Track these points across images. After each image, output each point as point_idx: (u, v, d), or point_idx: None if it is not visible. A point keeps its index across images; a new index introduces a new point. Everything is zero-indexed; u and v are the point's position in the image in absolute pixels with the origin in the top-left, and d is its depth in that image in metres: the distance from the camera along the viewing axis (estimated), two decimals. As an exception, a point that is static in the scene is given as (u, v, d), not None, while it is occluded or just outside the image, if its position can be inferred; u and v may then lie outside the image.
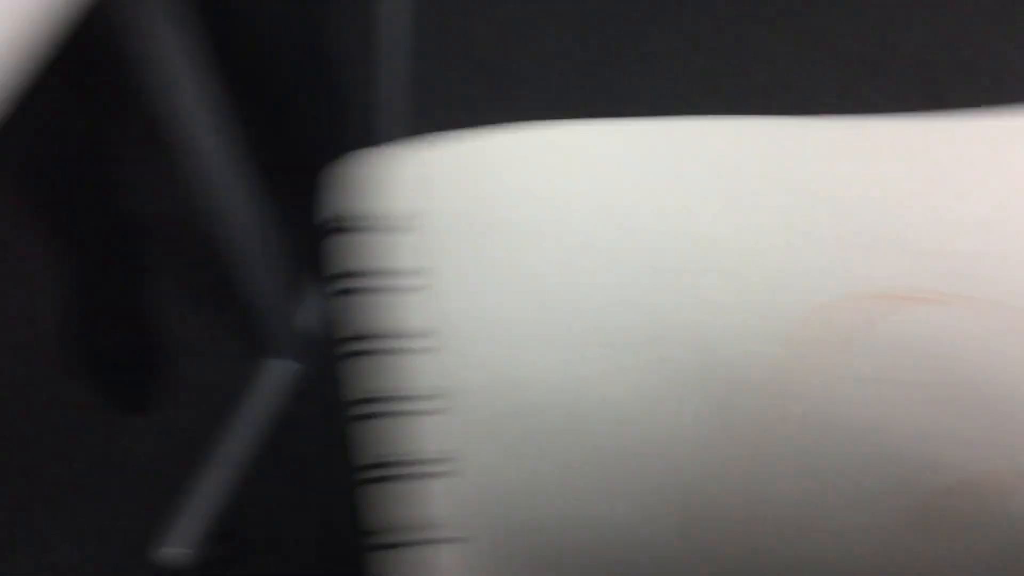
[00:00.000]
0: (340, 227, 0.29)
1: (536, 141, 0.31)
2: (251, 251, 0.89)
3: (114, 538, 0.99)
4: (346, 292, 0.28)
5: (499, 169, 0.29)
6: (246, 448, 1.02)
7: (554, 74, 1.27)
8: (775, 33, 1.30)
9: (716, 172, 0.30)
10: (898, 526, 0.27)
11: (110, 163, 1.02)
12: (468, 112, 1.23)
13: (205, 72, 0.72)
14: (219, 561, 0.97)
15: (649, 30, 1.30)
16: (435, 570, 0.26)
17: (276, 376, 1.05)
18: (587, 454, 0.26)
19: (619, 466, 0.26)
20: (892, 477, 0.27)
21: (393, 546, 0.26)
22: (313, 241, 1.11)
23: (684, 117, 0.31)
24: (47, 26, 0.35)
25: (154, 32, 0.66)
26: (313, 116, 0.98)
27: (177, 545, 0.97)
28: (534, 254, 0.28)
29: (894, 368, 0.27)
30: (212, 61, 0.72)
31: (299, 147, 1.01)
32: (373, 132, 1.09)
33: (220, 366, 1.08)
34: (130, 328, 1.05)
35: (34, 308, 1.10)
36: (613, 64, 1.28)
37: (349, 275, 0.28)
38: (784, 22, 1.31)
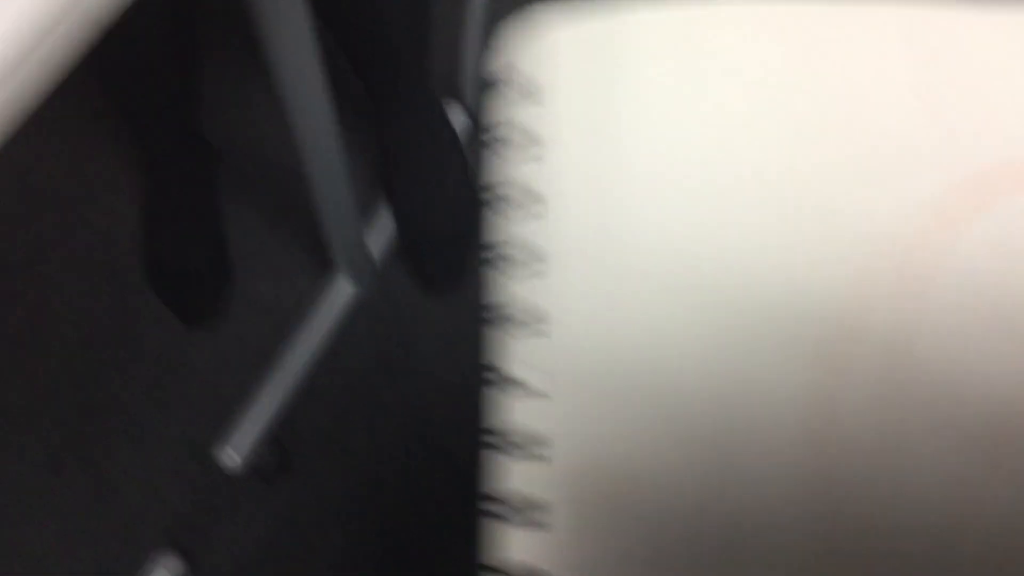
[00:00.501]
0: (493, 84, 0.30)
1: (668, 20, 0.30)
2: (330, 172, 0.90)
3: (174, 443, 1.03)
4: (490, 145, 0.29)
5: (626, 45, 0.30)
6: (303, 363, 1.05)
7: None
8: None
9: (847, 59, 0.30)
10: None
11: (193, 86, 1.04)
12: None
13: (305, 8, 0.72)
14: (270, 468, 1.01)
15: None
16: (514, 540, 0.26)
17: (337, 295, 1.08)
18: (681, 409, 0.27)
19: (723, 429, 0.26)
20: None
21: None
22: (384, 165, 1.13)
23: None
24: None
25: None
26: (390, 37, 0.98)
27: (232, 451, 1.01)
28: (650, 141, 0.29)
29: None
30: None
31: (376, 70, 1.02)
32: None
33: (285, 283, 1.11)
34: (201, 244, 1.08)
35: (110, 224, 1.13)
36: None
37: (488, 132, 0.29)
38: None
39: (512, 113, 0.30)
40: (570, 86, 0.29)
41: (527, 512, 0.25)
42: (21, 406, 1.04)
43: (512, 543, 0.25)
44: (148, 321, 1.08)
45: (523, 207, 0.29)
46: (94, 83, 1.06)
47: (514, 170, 0.29)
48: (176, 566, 0.97)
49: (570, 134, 0.29)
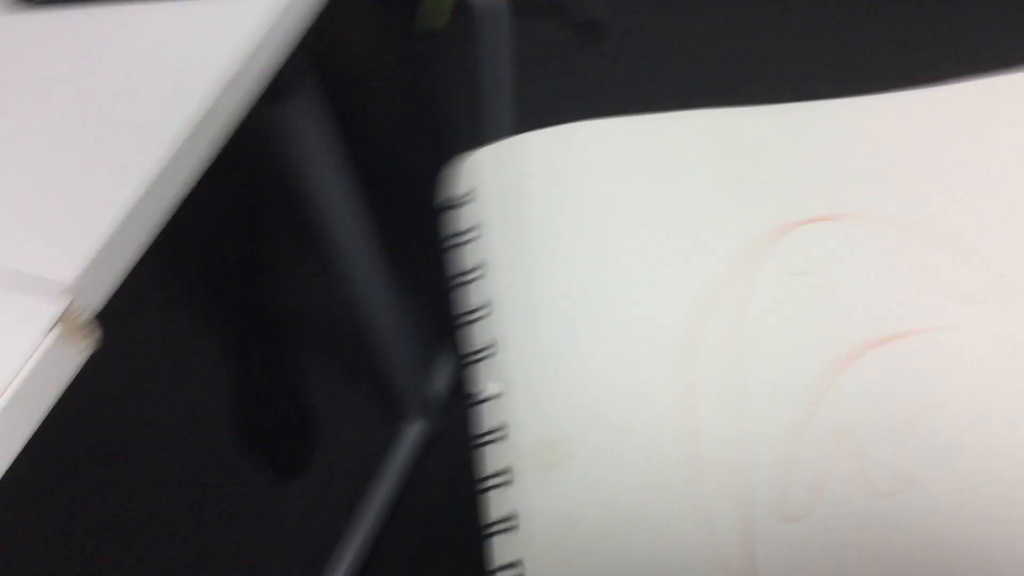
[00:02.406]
0: (448, 201, 0.41)
1: (556, 137, 0.40)
2: (387, 328, 1.01)
3: (274, 591, 1.11)
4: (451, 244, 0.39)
5: (531, 169, 0.40)
6: (385, 502, 1.13)
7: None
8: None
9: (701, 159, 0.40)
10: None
11: (261, 263, 1.19)
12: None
13: (343, 166, 0.85)
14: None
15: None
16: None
17: (411, 436, 1.17)
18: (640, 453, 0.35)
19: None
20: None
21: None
22: (440, 312, 1.24)
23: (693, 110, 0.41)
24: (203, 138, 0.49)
25: (302, 133, 0.80)
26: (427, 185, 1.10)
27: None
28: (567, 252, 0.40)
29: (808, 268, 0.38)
30: (344, 152, 0.85)
31: (422, 220, 1.15)
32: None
33: (364, 430, 1.20)
34: (285, 404, 1.19)
35: (204, 394, 1.26)
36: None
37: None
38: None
39: (459, 215, 0.41)
40: (493, 189, 0.40)
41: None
42: (135, 565, 1.14)
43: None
44: (245, 480, 1.19)
45: (472, 273, 0.39)
46: (176, 272, 1.21)
47: (465, 253, 0.40)
48: None
49: (495, 221, 0.40)
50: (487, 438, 0.36)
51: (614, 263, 0.37)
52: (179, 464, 1.21)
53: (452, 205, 0.40)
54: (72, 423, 1.23)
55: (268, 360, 1.22)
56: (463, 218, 0.40)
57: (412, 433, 1.17)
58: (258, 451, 1.19)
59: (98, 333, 0.42)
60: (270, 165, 1.00)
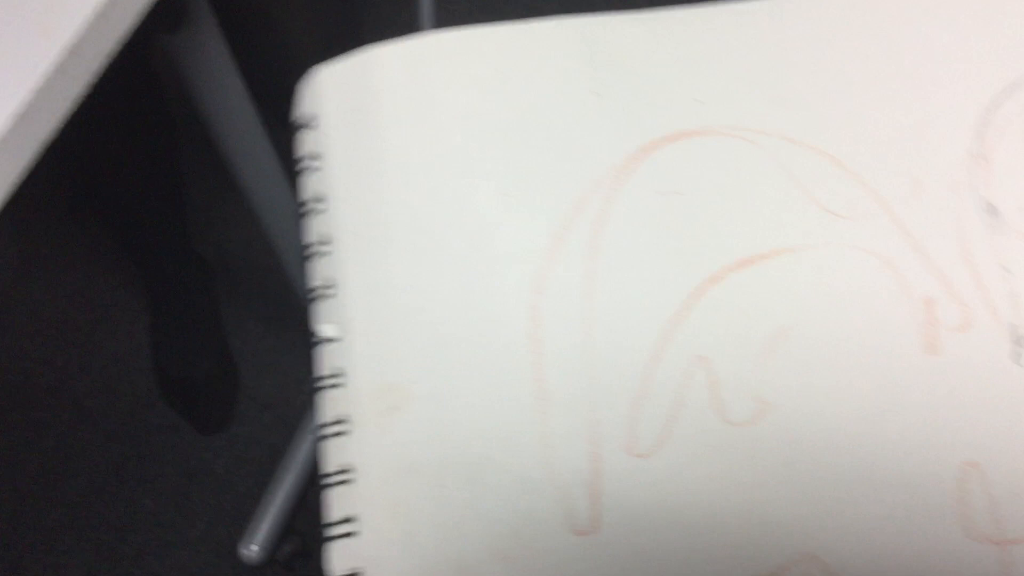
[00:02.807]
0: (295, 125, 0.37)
1: (415, 51, 0.37)
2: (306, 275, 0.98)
3: (203, 545, 1.09)
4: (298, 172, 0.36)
5: (377, 87, 0.37)
6: (311, 453, 1.11)
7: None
8: None
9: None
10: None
11: (181, 208, 1.14)
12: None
13: (250, 101, 0.80)
14: (291, 557, 1.06)
15: None
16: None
17: (334, 384, 1.14)
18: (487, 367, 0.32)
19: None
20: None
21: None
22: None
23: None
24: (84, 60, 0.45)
25: (204, 64, 0.75)
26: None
27: (255, 546, 1.06)
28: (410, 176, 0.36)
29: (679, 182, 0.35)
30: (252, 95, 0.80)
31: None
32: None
33: (288, 380, 1.18)
34: (207, 354, 1.16)
35: (123, 347, 1.22)
36: None
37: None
38: None
39: (302, 141, 0.37)
40: (334, 114, 0.36)
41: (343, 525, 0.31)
42: (57, 528, 1.11)
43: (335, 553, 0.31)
44: (167, 433, 1.15)
45: (314, 206, 0.36)
46: (94, 216, 1.16)
47: (307, 182, 0.36)
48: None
49: (337, 149, 0.36)
50: (323, 384, 0.33)
51: (465, 190, 0.35)
52: (98, 422, 1.17)
53: (295, 131, 0.37)
54: (-16, 385, 1.19)
55: (188, 310, 1.18)
56: (305, 145, 0.37)
57: (338, 381, 1.14)
58: (181, 405, 1.16)
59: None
60: (184, 104, 0.94)
